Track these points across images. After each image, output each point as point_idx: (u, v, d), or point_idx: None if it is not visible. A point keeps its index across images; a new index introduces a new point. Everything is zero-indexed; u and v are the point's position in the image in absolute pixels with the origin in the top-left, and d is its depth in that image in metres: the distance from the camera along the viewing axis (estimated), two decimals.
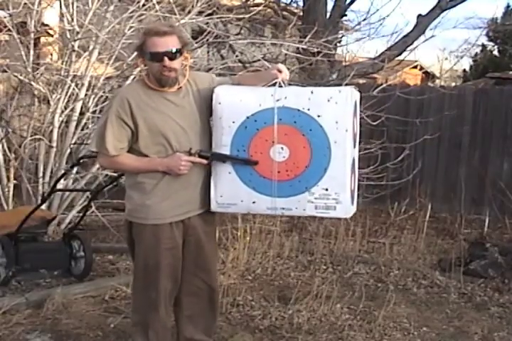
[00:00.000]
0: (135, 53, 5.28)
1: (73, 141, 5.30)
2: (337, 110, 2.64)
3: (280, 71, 2.75)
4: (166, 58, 2.67)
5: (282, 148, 2.68)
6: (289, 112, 2.67)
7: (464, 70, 19.02)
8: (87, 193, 5.28)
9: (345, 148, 2.65)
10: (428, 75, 19.39)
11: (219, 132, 2.76)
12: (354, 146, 2.77)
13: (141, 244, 2.84)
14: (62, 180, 4.88)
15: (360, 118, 3.01)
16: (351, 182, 2.71)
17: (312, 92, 2.67)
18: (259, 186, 2.72)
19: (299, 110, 2.66)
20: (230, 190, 2.77)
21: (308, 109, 2.65)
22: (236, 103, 2.73)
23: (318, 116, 2.65)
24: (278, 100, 2.68)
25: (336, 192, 2.66)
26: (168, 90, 2.77)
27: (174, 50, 2.68)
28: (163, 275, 2.84)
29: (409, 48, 8.80)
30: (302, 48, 5.93)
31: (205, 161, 2.75)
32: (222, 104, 2.75)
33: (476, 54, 18.62)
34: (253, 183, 2.73)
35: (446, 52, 19.71)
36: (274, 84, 2.73)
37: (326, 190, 2.66)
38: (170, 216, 2.80)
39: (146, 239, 2.81)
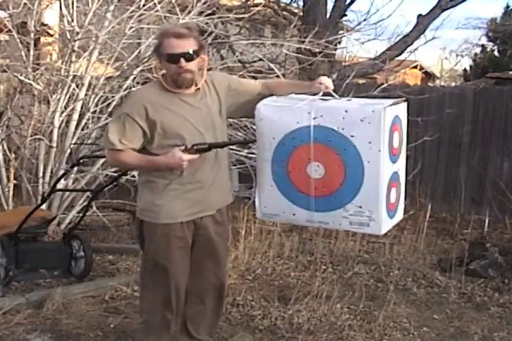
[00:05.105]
0: (134, 54, 5.35)
1: (73, 141, 5.29)
2: (370, 130, 2.62)
3: (325, 85, 2.81)
4: (182, 59, 2.67)
5: (318, 165, 2.72)
6: (324, 131, 2.69)
7: (464, 70, 19.01)
8: (87, 193, 5.28)
9: (379, 167, 2.66)
10: (428, 75, 19.40)
11: (261, 147, 2.84)
12: (396, 161, 2.80)
13: (152, 242, 2.85)
14: (62, 180, 4.88)
15: None
16: (388, 199, 2.76)
17: (346, 111, 2.67)
18: (298, 200, 2.80)
19: (333, 129, 2.67)
20: (272, 202, 2.87)
21: (343, 129, 2.66)
22: (276, 120, 2.77)
23: (352, 136, 2.65)
24: (314, 118, 2.70)
25: (370, 210, 2.70)
26: (185, 92, 2.78)
27: (191, 52, 2.68)
28: (173, 273, 2.85)
29: (409, 49, 8.80)
30: (302, 48, 5.92)
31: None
32: (263, 121, 2.80)
33: (476, 54, 18.62)
34: (292, 197, 2.81)
35: (447, 51, 19.73)
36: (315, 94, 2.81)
37: (360, 207, 2.70)
38: (182, 215, 2.81)
39: (157, 238, 2.82)
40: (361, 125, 2.63)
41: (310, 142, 2.71)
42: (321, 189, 2.74)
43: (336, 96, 2.84)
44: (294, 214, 2.84)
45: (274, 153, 2.79)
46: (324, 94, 2.84)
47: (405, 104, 2.84)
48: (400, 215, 2.97)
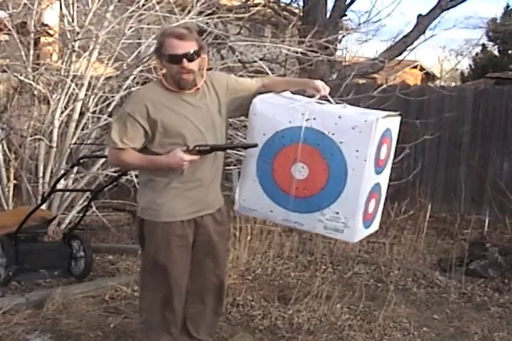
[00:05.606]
0: (134, 54, 5.35)
1: (73, 141, 5.30)
2: (359, 139, 2.64)
3: (318, 90, 2.80)
4: (184, 60, 2.68)
5: (303, 167, 2.75)
6: (314, 134, 2.71)
7: (461, 73, 19.01)
8: (87, 193, 5.28)
9: (362, 176, 2.67)
10: (428, 75, 19.40)
11: (250, 141, 2.86)
12: (380, 173, 2.80)
13: (152, 241, 2.85)
14: (62, 180, 4.88)
15: None
16: (366, 209, 2.77)
17: (340, 117, 2.68)
18: (278, 198, 2.83)
19: (324, 133, 2.69)
20: (252, 196, 2.90)
21: (333, 134, 2.68)
22: (269, 117, 2.80)
23: (341, 142, 2.67)
24: (307, 120, 2.72)
25: (346, 217, 2.72)
26: (186, 91, 2.79)
27: (192, 52, 2.70)
28: (173, 273, 2.84)
29: (409, 48, 8.81)
30: (301, 51, 5.91)
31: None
32: (256, 116, 2.83)
33: (476, 54, 18.63)
34: (273, 194, 2.84)
35: (447, 50, 19.73)
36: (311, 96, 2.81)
37: (337, 213, 2.73)
38: (182, 214, 2.82)
39: (157, 237, 2.83)
40: (352, 133, 2.65)
41: (299, 142, 2.73)
42: (302, 190, 2.77)
43: (332, 101, 2.85)
44: (271, 211, 2.87)
45: (262, 149, 2.81)
46: (321, 98, 2.84)
47: (399, 118, 2.85)
48: (375, 226, 2.98)
